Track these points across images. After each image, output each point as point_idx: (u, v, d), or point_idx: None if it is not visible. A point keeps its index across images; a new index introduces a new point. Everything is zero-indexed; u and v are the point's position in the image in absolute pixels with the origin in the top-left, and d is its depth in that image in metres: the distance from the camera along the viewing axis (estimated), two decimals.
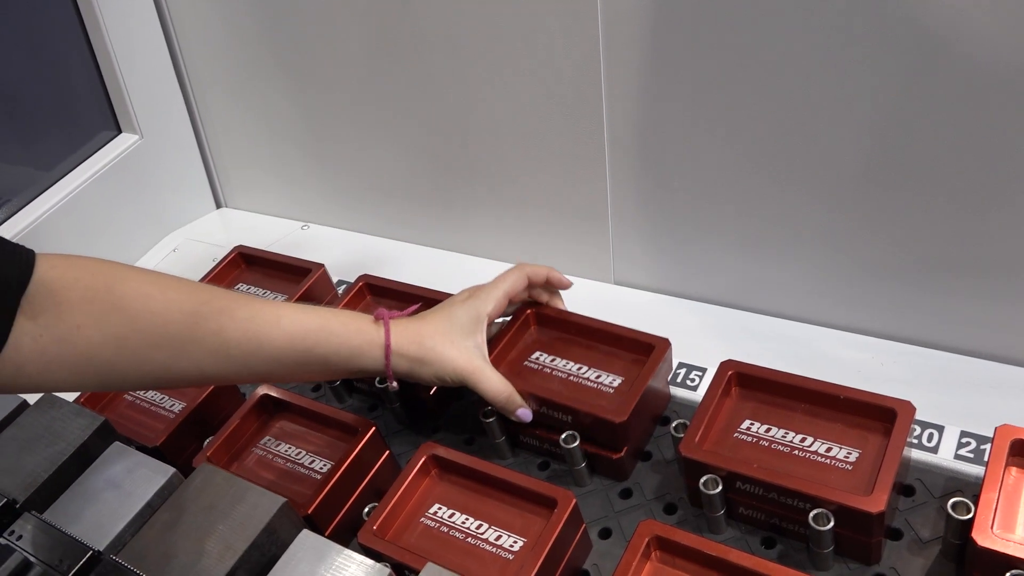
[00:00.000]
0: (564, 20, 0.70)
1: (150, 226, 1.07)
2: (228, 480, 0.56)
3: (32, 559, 0.54)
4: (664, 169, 0.73)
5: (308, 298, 0.82)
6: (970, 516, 0.50)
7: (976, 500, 0.50)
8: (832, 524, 0.52)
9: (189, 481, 0.57)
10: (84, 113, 1.04)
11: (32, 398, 0.68)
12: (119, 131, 1.04)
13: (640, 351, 0.66)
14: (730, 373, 0.61)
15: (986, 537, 0.48)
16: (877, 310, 0.70)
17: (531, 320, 0.71)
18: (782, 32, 0.61)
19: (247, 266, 0.89)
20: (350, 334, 0.60)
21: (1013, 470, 0.52)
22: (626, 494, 0.63)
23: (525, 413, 0.63)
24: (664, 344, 0.65)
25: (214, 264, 0.90)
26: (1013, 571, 0.47)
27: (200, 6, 0.95)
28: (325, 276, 0.84)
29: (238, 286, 0.88)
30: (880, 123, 0.61)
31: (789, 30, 0.60)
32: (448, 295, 0.75)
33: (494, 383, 0.62)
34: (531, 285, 0.69)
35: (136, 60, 0.99)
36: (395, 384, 0.63)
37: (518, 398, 0.63)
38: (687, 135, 0.70)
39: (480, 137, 0.82)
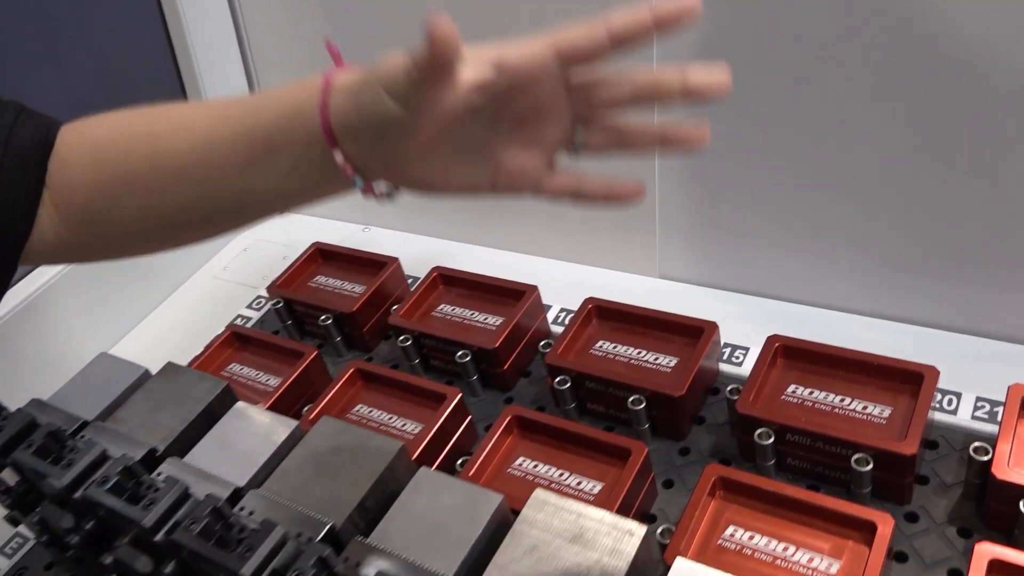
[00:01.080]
0: None
1: None
2: (348, 428, 0.65)
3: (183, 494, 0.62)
4: (708, 173, 0.83)
5: (383, 290, 0.91)
6: (989, 457, 0.59)
7: (994, 445, 0.59)
8: (871, 466, 0.61)
9: (313, 431, 0.66)
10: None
11: (155, 367, 0.77)
12: None
13: (691, 335, 0.76)
14: (776, 345, 0.71)
15: (1004, 472, 0.57)
16: (900, 298, 0.79)
17: (592, 313, 0.80)
18: (819, 58, 0.70)
19: (324, 261, 0.98)
20: (287, 91, 0.51)
21: None
22: (684, 452, 0.71)
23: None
24: (712, 327, 0.75)
25: (290, 262, 0.99)
26: None
27: (269, 8, 1.05)
28: (399, 269, 0.93)
29: (316, 279, 0.96)
30: (901, 137, 0.71)
31: (826, 58, 0.70)
32: (518, 286, 0.84)
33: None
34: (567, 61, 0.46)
35: (215, 67, 1.08)
36: (349, 170, 0.50)
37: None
38: (731, 144, 0.80)
39: None
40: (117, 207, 0.56)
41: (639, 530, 0.52)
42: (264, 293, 1.04)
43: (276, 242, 1.15)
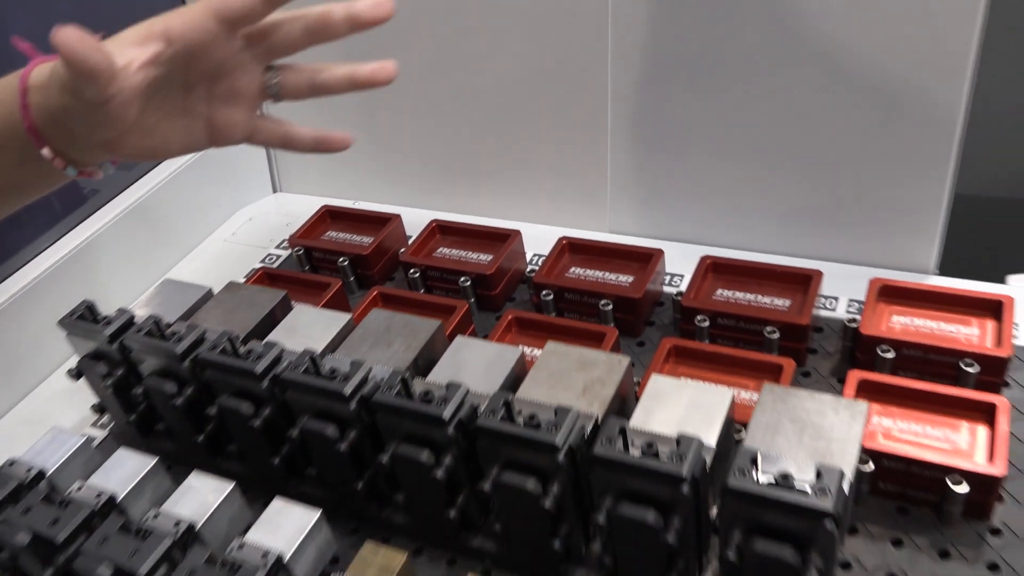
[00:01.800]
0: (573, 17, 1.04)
1: (227, 203, 1.33)
2: (395, 314, 0.85)
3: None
4: (652, 143, 1.07)
5: (389, 239, 1.10)
6: (857, 324, 0.84)
7: (860, 317, 0.84)
8: (777, 335, 0.85)
9: (367, 318, 0.85)
10: None
11: (217, 286, 0.95)
12: None
13: (642, 259, 0.99)
14: (708, 262, 0.95)
15: (867, 328, 0.82)
16: (797, 237, 1.05)
17: (565, 248, 1.02)
18: (750, 43, 0.96)
19: (332, 220, 1.17)
20: None
21: (881, 303, 0.87)
22: (640, 344, 0.94)
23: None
24: (659, 252, 0.98)
25: (294, 228, 1.17)
26: (881, 346, 0.81)
27: None
28: (400, 223, 1.13)
29: (327, 233, 1.15)
30: (798, 112, 0.97)
31: (755, 43, 0.96)
32: (504, 231, 1.05)
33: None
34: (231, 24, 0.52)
35: None
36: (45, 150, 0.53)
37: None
38: (672, 119, 1.04)
39: (503, 114, 1.14)
40: None
41: (626, 359, 0.74)
42: (274, 251, 1.22)
43: (278, 212, 1.33)
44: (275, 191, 1.40)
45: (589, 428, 0.66)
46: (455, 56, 1.13)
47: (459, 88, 1.15)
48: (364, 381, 0.72)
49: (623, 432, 0.62)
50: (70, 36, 0.43)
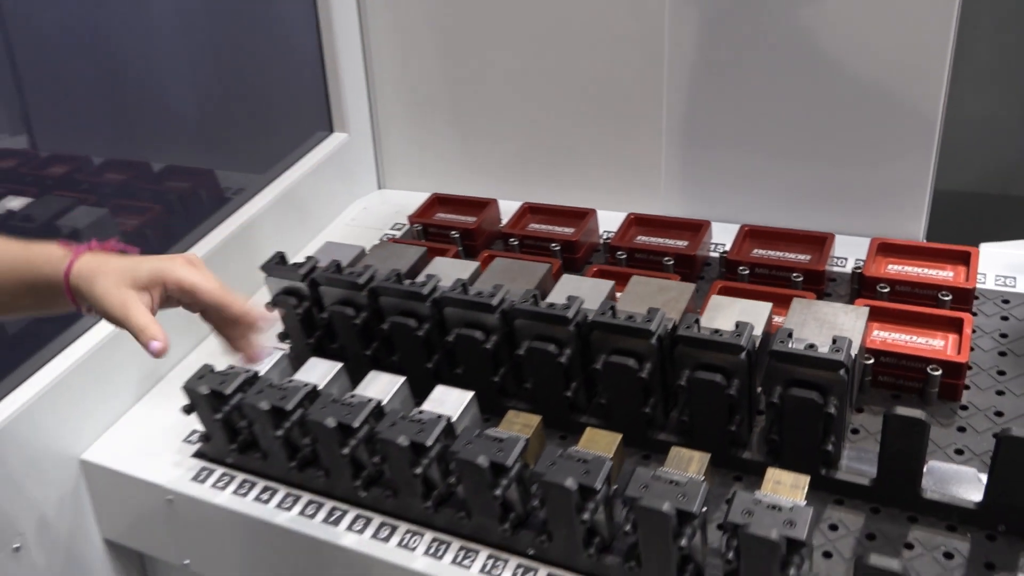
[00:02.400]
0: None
1: (344, 195, 1.62)
2: (513, 260, 1.13)
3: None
4: (699, 137, 1.36)
5: (488, 217, 1.38)
6: (860, 270, 1.11)
7: (864, 264, 1.12)
8: (801, 279, 1.12)
9: (492, 264, 1.13)
10: (307, 116, 1.59)
11: (368, 244, 1.23)
12: (331, 130, 1.60)
13: (694, 228, 1.26)
14: (746, 228, 1.23)
15: (868, 271, 1.09)
16: (815, 212, 1.32)
17: (633, 221, 1.30)
18: (776, 58, 1.25)
19: (440, 204, 1.46)
20: (42, 262, 0.78)
21: (880, 256, 1.14)
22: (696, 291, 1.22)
23: (155, 346, 0.76)
24: (707, 223, 1.26)
25: (406, 213, 1.46)
26: (880, 284, 1.08)
27: (389, 16, 1.52)
28: (496, 206, 1.41)
29: (437, 214, 1.44)
30: (812, 115, 1.25)
31: (780, 58, 1.24)
32: (582, 210, 1.33)
33: (106, 301, 0.75)
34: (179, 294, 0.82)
35: (348, 61, 1.55)
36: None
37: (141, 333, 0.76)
38: (715, 116, 1.32)
39: (575, 118, 1.43)
40: None
41: (692, 285, 1.02)
42: (388, 232, 1.51)
43: (383, 204, 1.62)
44: (379, 188, 1.70)
45: (671, 323, 0.93)
46: (534, 72, 1.42)
47: (540, 98, 1.44)
48: (503, 299, 1.00)
49: (696, 321, 0.90)
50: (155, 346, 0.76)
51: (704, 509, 0.77)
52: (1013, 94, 1.66)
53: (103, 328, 1.17)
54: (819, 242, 1.18)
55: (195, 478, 1.07)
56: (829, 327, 0.92)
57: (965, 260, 1.10)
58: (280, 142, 1.55)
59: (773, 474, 0.83)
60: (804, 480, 0.82)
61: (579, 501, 0.81)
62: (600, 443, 0.92)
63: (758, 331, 0.93)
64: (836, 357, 0.83)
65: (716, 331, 0.89)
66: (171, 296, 0.83)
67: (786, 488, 0.81)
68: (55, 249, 0.80)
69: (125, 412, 1.20)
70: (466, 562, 0.91)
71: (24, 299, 0.81)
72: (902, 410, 0.80)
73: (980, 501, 0.83)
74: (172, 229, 1.37)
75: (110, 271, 0.78)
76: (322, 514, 1.00)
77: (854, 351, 0.86)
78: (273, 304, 1.16)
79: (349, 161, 1.61)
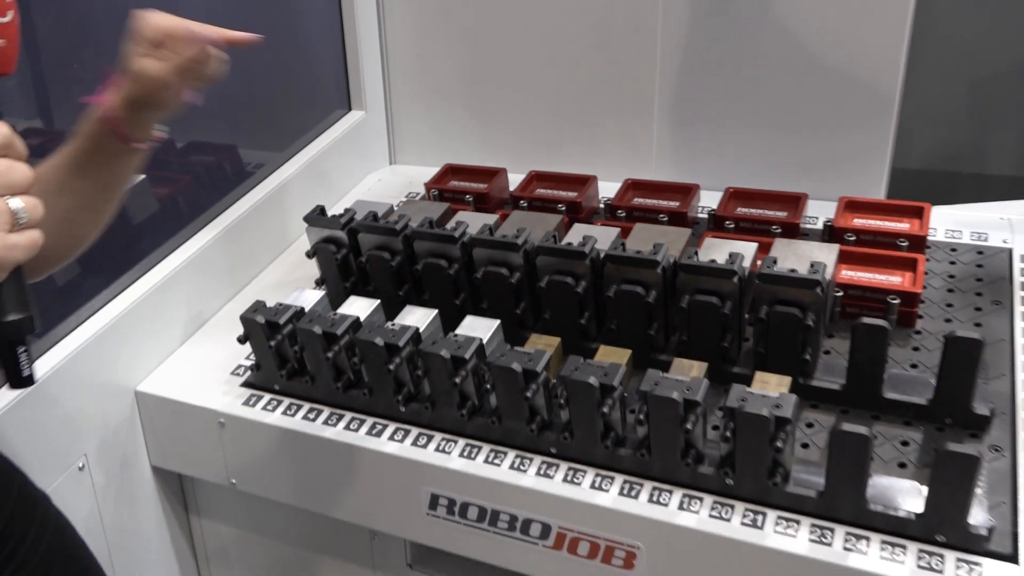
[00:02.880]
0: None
1: (360, 168, 1.76)
2: (529, 214, 1.28)
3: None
4: (688, 112, 1.52)
5: (497, 183, 1.53)
6: (832, 223, 1.28)
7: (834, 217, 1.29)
8: (780, 231, 1.29)
9: (510, 216, 1.28)
10: (326, 95, 1.73)
11: (395, 201, 1.37)
12: (350, 108, 1.74)
13: (685, 191, 1.42)
14: (730, 189, 1.39)
15: (837, 222, 1.26)
16: (790, 180, 1.49)
17: (630, 185, 1.46)
18: (756, 44, 1.41)
19: (453, 173, 1.60)
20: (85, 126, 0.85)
21: (847, 212, 1.31)
22: None
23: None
24: (696, 186, 1.42)
25: (423, 181, 1.60)
26: (847, 234, 1.24)
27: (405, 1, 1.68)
28: (505, 175, 1.56)
29: (451, 182, 1.58)
30: (789, 94, 1.42)
31: (759, 44, 1.41)
32: (584, 176, 1.49)
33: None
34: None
35: (367, 43, 1.69)
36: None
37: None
38: (703, 93, 1.49)
39: (575, 94, 1.59)
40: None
41: (688, 230, 1.18)
42: (403, 198, 1.65)
43: (395, 176, 1.76)
44: (391, 163, 1.84)
45: (673, 258, 1.09)
46: (539, 54, 1.58)
47: (544, 78, 1.60)
48: (526, 240, 1.15)
49: (696, 253, 1.05)
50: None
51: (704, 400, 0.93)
52: (964, 79, 1.86)
53: (154, 276, 1.29)
54: (795, 200, 1.35)
55: (245, 403, 1.21)
56: (806, 259, 1.08)
57: (919, 214, 1.27)
58: (304, 118, 1.68)
59: (760, 376, 1.00)
60: (786, 380, 0.98)
61: (599, 398, 0.96)
62: (613, 358, 1.07)
63: (746, 263, 1.09)
64: (814, 277, 0.99)
65: (712, 260, 1.05)
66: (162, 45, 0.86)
67: (772, 386, 0.97)
68: (83, 121, 0.87)
69: (174, 351, 1.33)
70: (496, 460, 1.06)
71: (97, 170, 0.87)
72: (867, 320, 0.97)
73: (931, 398, 1.00)
74: (203, 197, 1.49)
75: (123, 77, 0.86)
76: (365, 428, 1.14)
77: (828, 275, 1.03)
78: (313, 252, 1.30)
79: (365, 137, 1.75)
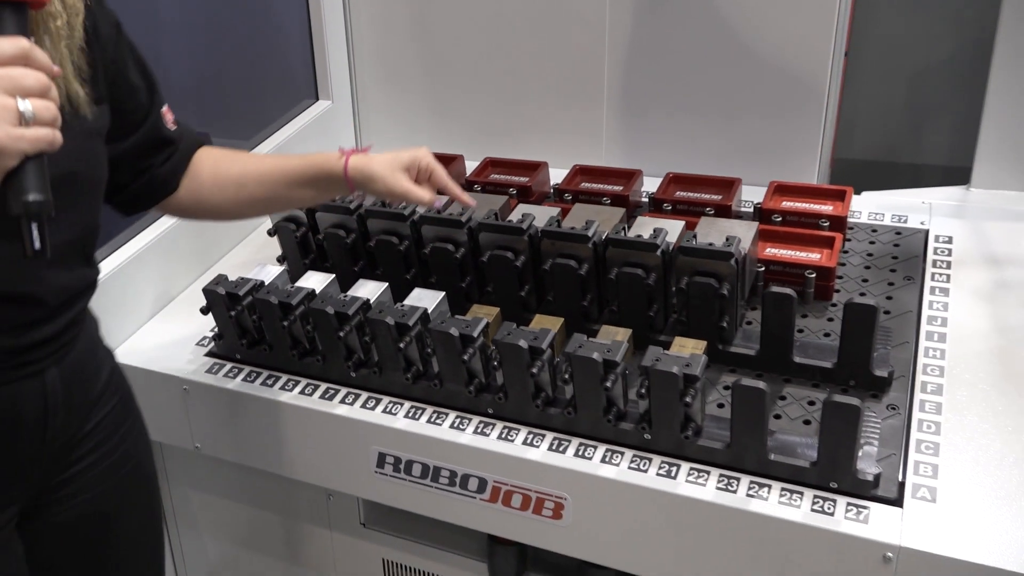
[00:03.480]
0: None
1: None
2: (476, 194, 1.36)
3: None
4: (635, 103, 1.60)
5: (532, 187, 1.61)
6: (757, 207, 1.36)
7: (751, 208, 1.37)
8: (714, 212, 1.37)
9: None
10: (294, 85, 1.80)
11: None
12: (317, 98, 1.82)
13: (627, 176, 1.51)
14: (670, 175, 1.47)
15: (766, 204, 1.35)
16: (727, 167, 1.58)
17: (577, 171, 1.54)
18: (694, 33, 1.50)
19: (492, 167, 1.66)
20: (323, 157, 1.04)
21: (777, 195, 1.39)
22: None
23: (427, 198, 1.04)
24: (639, 172, 1.51)
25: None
26: (774, 215, 1.33)
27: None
28: (463, 162, 1.64)
29: (491, 175, 1.65)
30: (720, 85, 1.51)
31: (696, 34, 1.50)
32: (535, 163, 1.57)
33: (388, 182, 1.01)
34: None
35: (334, 36, 1.77)
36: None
37: (416, 196, 1.02)
38: (648, 85, 1.57)
39: (527, 86, 1.67)
40: (217, 202, 1.09)
41: (622, 210, 1.26)
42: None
43: None
44: None
45: (604, 234, 1.17)
46: (496, 46, 1.67)
47: (501, 70, 1.68)
48: (470, 218, 1.23)
49: (624, 230, 1.14)
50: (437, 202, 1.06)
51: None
52: (902, 74, 1.95)
53: (122, 254, 1.37)
54: (729, 185, 1.43)
55: (208, 370, 1.28)
56: (725, 235, 1.17)
57: (841, 197, 1.36)
58: (272, 107, 1.76)
59: (679, 341, 1.08)
60: (702, 344, 1.07)
61: (529, 360, 1.04)
62: (549, 325, 1.15)
63: (671, 238, 1.18)
64: (728, 250, 1.07)
65: (639, 236, 1.13)
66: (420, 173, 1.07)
67: (688, 349, 1.06)
68: (330, 153, 1.06)
69: (143, 325, 1.40)
70: (438, 421, 1.14)
71: (304, 191, 1.07)
72: (776, 288, 1.05)
73: (835, 362, 1.08)
74: None
75: (380, 160, 1.04)
76: (319, 393, 1.22)
77: (743, 248, 1.11)
78: (274, 231, 1.38)
79: (332, 126, 1.83)
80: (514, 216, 1.28)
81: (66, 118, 0.75)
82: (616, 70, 1.58)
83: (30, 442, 0.87)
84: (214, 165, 1.08)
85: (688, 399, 0.97)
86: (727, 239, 1.09)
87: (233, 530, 1.49)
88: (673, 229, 1.19)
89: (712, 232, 1.18)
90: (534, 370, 1.04)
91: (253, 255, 1.56)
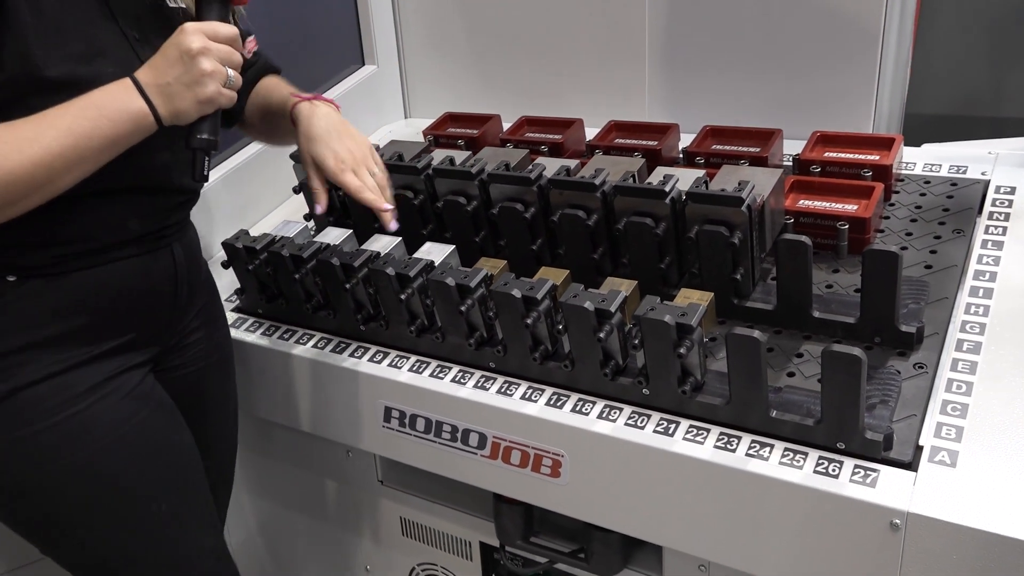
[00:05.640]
0: None
1: (374, 121, 1.84)
2: (500, 149, 1.32)
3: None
4: (678, 58, 1.53)
5: (488, 134, 1.58)
6: (799, 154, 1.27)
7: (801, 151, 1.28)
8: (746, 164, 1.29)
9: (482, 151, 1.33)
10: (340, 50, 1.81)
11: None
12: (363, 63, 1.82)
13: (664, 131, 1.43)
14: (707, 128, 1.39)
15: (804, 155, 1.25)
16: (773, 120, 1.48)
17: (612, 127, 1.48)
18: None
19: (452, 121, 1.65)
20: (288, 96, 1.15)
21: (819, 145, 1.30)
22: None
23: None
24: (676, 126, 1.43)
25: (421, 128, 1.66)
26: (812, 166, 1.24)
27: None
28: (499, 121, 1.60)
29: (449, 129, 1.64)
30: (774, 37, 1.41)
31: None
32: (572, 120, 1.51)
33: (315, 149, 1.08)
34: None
35: (379, 2, 1.77)
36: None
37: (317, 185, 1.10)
38: (691, 41, 1.50)
39: (567, 44, 1.62)
40: (259, 130, 1.26)
41: (641, 160, 1.20)
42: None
43: (410, 127, 1.84)
44: (406, 117, 1.91)
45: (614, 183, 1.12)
46: (538, 8, 1.62)
47: (541, 34, 1.64)
48: (541, 174, 1.18)
49: (633, 178, 1.08)
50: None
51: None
52: (979, 24, 1.78)
53: None
54: (768, 136, 1.34)
55: (232, 324, 1.30)
56: (748, 180, 1.09)
57: (889, 146, 1.25)
58: (317, 71, 1.77)
59: (684, 292, 1.02)
60: (708, 296, 1.00)
61: (595, 324, 0.97)
62: (550, 276, 1.10)
63: (684, 186, 1.11)
64: (738, 195, 1.00)
65: (648, 183, 1.07)
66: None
67: (694, 300, 0.99)
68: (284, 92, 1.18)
69: None
70: (440, 375, 1.12)
71: (269, 122, 1.19)
72: (789, 236, 0.97)
73: (858, 317, 1.00)
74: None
75: (321, 127, 1.10)
76: (330, 346, 1.21)
77: (758, 195, 1.03)
78: (300, 188, 1.38)
79: (378, 91, 1.83)
80: (522, 168, 1.24)
81: None
82: (657, 23, 1.51)
83: (165, 299, 1.05)
84: (263, 92, 1.21)
85: (683, 350, 0.91)
86: (739, 184, 1.02)
87: (256, 485, 1.51)
88: (687, 177, 1.12)
89: (730, 180, 1.10)
90: (529, 321, 1.00)
91: (292, 215, 1.57)
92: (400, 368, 1.15)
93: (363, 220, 1.34)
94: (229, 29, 0.92)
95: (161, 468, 1.01)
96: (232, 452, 1.24)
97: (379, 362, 1.16)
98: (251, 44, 1.17)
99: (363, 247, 1.21)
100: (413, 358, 1.15)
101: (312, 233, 1.35)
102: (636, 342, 0.94)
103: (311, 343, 1.23)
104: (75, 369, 0.95)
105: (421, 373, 1.13)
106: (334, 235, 1.27)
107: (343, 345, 1.21)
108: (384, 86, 1.84)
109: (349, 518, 1.40)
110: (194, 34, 0.88)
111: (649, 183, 1.07)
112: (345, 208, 1.37)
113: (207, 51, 0.88)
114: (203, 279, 1.14)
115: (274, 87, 1.21)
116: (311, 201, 1.38)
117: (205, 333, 1.13)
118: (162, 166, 0.99)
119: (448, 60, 1.80)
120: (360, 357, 1.18)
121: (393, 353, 1.17)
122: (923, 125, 1.65)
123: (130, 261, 0.99)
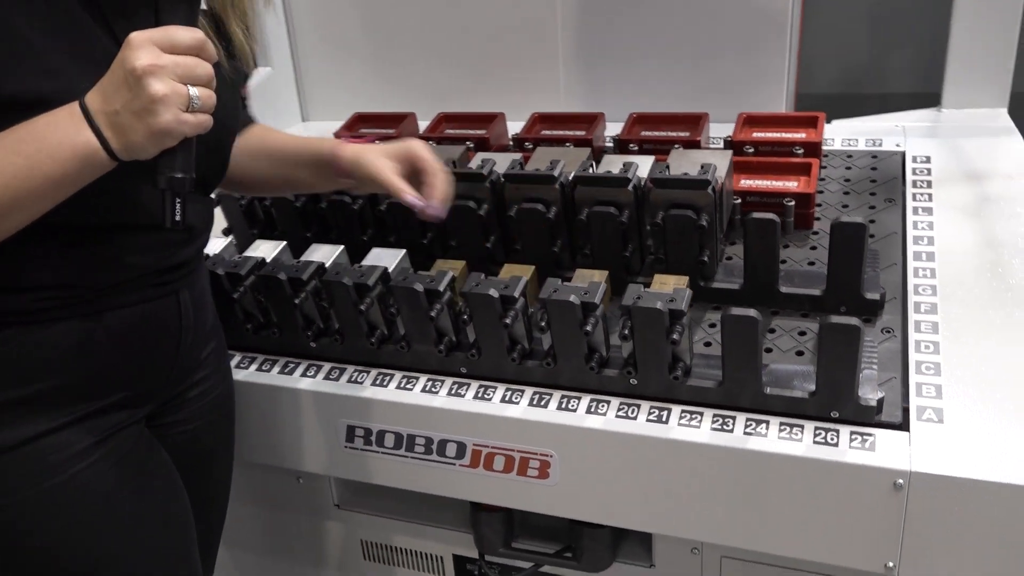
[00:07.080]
0: None
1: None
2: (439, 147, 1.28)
3: None
4: (593, 45, 1.53)
5: (404, 133, 1.52)
6: (730, 137, 1.30)
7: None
8: (680, 147, 1.30)
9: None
10: None
11: None
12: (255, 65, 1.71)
13: (590, 120, 1.43)
14: (634, 115, 1.40)
15: (736, 136, 1.28)
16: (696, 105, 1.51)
17: (537, 118, 1.46)
18: None
19: (362, 121, 1.59)
20: (322, 143, 1.03)
21: (747, 127, 1.33)
22: None
23: (412, 201, 0.93)
24: (602, 115, 1.43)
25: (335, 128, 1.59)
26: (746, 146, 1.27)
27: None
28: (414, 119, 1.55)
29: (360, 130, 1.57)
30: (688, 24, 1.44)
31: None
32: (493, 114, 1.48)
33: (381, 169, 0.94)
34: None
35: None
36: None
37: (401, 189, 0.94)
38: (609, 26, 1.50)
39: (477, 30, 1.59)
40: (238, 177, 1.07)
41: (586, 149, 1.19)
42: None
43: (309, 131, 1.75)
44: (303, 120, 1.82)
45: (571, 173, 1.10)
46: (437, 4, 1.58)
47: (448, 24, 1.60)
48: (491, 169, 1.14)
49: (591, 166, 1.06)
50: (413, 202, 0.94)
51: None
52: (862, 6, 1.91)
53: None
54: (696, 120, 1.36)
55: None
56: (699, 165, 1.10)
57: (813, 123, 1.30)
58: None
59: (659, 278, 1.01)
60: (684, 280, 1.00)
61: (581, 318, 0.94)
62: (520, 273, 1.07)
63: (642, 172, 1.11)
64: (704, 178, 1.01)
65: (608, 172, 1.06)
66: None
67: (670, 286, 0.99)
68: (330, 139, 1.06)
69: None
70: (408, 386, 1.06)
71: (302, 171, 1.04)
72: (757, 214, 0.99)
73: (824, 288, 1.03)
74: None
75: (372, 148, 0.99)
76: (277, 368, 1.13)
77: (719, 177, 1.05)
78: (217, 201, 1.28)
79: (273, 94, 1.73)
80: (473, 164, 1.20)
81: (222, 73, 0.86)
82: (570, 14, 1.51)
83: (165, 354, 0.93)
84: (243, 138, 1.06)
85: (675, 336, 0.91)
86: (702, 167, 1.03)
87: None
88: (643, 164, 1.12)
89: (684, 163, 1.11)
90: (507, 320, 0.97)
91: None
92: (361, 383, 1.08)
93: (292, 229, 1.26)
94: (189, 34, 0.72)
95: (152, 550, 0.91)
96: (222, 518, 1.12)
97: (336, 379, 1.09)
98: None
99: (303, 259, 1.13)
100: (374, 371, 1.09)
101: (235, 247, 1.25)
102: (626, 332, 0.93)
103: (254, 366, 1.14)
104: (55, 433, 0.83)
105: (386, 386, 1.07)
106: (266, 248, 1.18)
107: (292, 365, 1.13)
108: (278, 88, 1.74)
109: (304, 548, 1.32)
110: (140, 47, 0.69)
111: (609, 172, 1.06)
112: (270, 219, 1.28)
113: (157, 69, 0.69)
114: (212, 321, 1.02)
115: (272, 133, 1.10)
116: (231, 212, 1.29)
117: (215, 381, 1.02)
118: (149, 201, 0.83)
119: (345, 58, 1.73)
120: (314, 376, 1.10)
121: (351, 368, 1.10)
122: (816, 104, 1.73)
123: (128, 310, 0.87)
